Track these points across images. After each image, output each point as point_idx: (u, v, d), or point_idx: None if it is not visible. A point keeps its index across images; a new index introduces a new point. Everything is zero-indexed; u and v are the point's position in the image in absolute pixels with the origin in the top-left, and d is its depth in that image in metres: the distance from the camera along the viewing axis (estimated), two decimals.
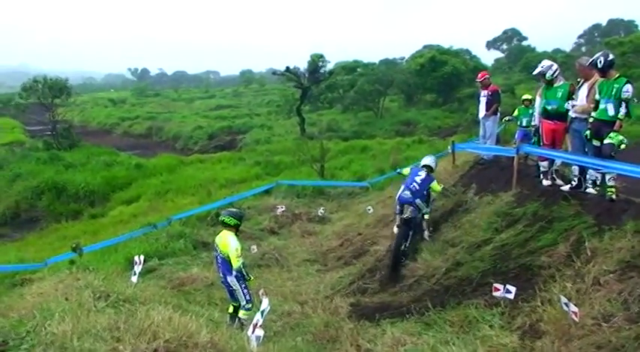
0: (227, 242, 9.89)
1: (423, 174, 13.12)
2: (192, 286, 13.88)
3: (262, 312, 7.68)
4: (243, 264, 9.87)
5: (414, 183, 12.94)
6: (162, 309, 7.40)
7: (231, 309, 10.27)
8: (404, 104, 65.11)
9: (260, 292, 9.74)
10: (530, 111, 15.58)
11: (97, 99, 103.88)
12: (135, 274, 10.37)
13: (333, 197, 23.37)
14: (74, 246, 14.52)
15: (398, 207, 13.10)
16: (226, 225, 10.16)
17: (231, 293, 10.12)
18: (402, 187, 13.14)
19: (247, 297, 10.03)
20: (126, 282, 9.94)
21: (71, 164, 39.91)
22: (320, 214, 20.21)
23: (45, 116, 51.78)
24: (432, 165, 13.49)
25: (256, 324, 7.40)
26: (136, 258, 10.78)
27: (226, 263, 9.90)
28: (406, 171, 13.96)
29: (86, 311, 7.19)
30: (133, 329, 6.58)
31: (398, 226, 13.06)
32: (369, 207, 18.46)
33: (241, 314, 10.03)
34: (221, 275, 10.06)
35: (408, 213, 12.71)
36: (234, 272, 9.89)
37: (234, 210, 10.83)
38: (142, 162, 40.87)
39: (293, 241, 17.85)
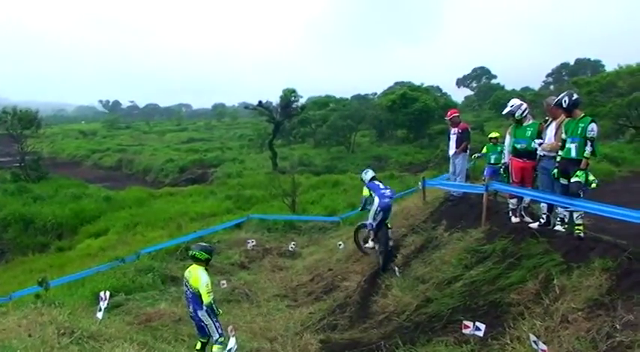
0: (197, 277, 9.79)
1: (379, 183, 14.82)
2: (159, 322, 13.63)
3: (230, 351, 7.57)
4: (213, 299, 9.76)
5: (387, 189, 14.49)
6: (127, 347, 7.28)
7: (199, 346, 10.11)
8: (375, 139, 65.72)
9: (229, 329, 9.62)
10: (499, 148, 15.80)
11: (67, 131, 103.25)
12: (100, 310, 10.18)
13: (304, 231, 23.30)
14: (40, 279, 14.21)
15: (380, 215, 14.10)
16: (197, 260, 10.08)
17: (201, 328, 9.98)
18: (379, 197, 14.17)
19: (219, 331, 9.91)
20: (91, 318, 9.75)
21: (39, 196, 39.46)
22: (291, 249, 20.13)
23: (13, 147, 51.20)
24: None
25: None
26: (102, 294, 10.61)
27: (196, 297, 9.78)
28: (366, 192, 14.74)
29: (49, 348, 7.04)
30: None
31: (377, 235, 14.39)
32: (340, 243, 18.44)
33: (215, 349, 9.89)
34: (191, 310, 9.91)
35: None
36: (204, 308, 9.76)
37: (205, 244, 10.73)
38: (112, 195, 40.59)
39: (263, 276, 17.71)
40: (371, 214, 14.39)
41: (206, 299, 9.64)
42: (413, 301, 11.17)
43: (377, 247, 14.61)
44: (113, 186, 47.70)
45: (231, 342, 7.69)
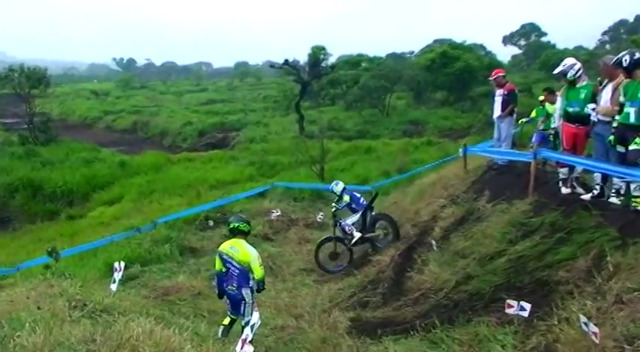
0: (247, 250, 9.91)
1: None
2: (177, 296, 13.84)
3: (252, 326, 7.61)
4: None
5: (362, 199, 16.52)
6: (142, 321, 7.35)
7: (226, 321, 10.16)
8: (412, 102, 65.12)
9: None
10: (550, 112, 15.54)
11: (78, 91, 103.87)
12: (114, 282, 10.32)
13: (333, 201, 23.32)
14: (50, 249, 14.41)
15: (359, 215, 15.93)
16: (238, 232, 10.20)
17: (237, 305, 10.02)
18: (359, 207, 16.16)
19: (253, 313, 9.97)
20: (104, 290, 9.89)
21: (48, 160, 39.99)
22: (319, 220, 20.20)
23: (21, 108, 51.69)
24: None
25: (245, 339, 7.32)
26: (116, 265, 10.74)
27: (245, 273, 9.84)
28: (347, 198, 16.38)
29: (60, 322, 7.15)
30: (111, 342, 6.53)
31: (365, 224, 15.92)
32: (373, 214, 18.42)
33: (248, 330, 9.93)
34: (234, 286, 9.91)
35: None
36: (251, 283, 9.86)
37: (242, 216, 10.93)
38: (126, 160, 40.95)
39: (289, 248, 17.84)
40: (352, 220, 16.04)
41: (259, 273, 9.75)
42: (452, 277, 11.13)
43: (366, 235, 15.79)
44: (128, 151, 48.19)
45: (254, 317, 7.72)
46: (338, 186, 16.58)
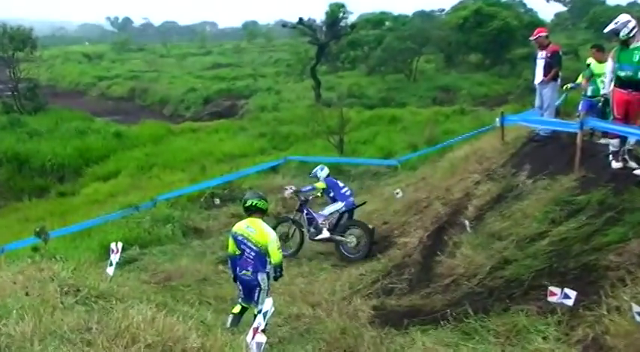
0: (265, 231, 9.90)
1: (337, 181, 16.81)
2: (180, 281, 13.97)
3: (264, 314, 7.62)
4: None
5: (346, 188, 16.57)
6: (143, 308, 7.39)
7: (237, 309, 10.18)
8: (442, 66, 64.75)
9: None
10: (596, 73, 15.35)
11: (68, 54, 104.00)
12: (111, 265, 10.35)
13: (354, 177, 23.37)
14: (38, 229, 14.47)
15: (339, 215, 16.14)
16: (255, 211, 10.18)
17: (250, 292, 10.04)
18: (340, 198, 16.15)
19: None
20: (100, 275, 9.94)
21: (36, 131, 40.07)
22: None
23: (4, 73, 51.63)
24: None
25: (257, 329, 7.33)
26: (113, 246, 10.76)
27: (261, 257, 9.85)
28: (321, 184, 16.38)
29: (51, 309, 7.18)
30: (108, 331, 6.56)
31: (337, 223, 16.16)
32: (398, 191, 18.41)
33: (261, 319, 9.91)
34: (249, 271, 9.92)
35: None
36: (268, 268, 9.90)
37: (258, 192, 10.99)
38: (123, 131, 41.05)
39: (304, 229, 17.89)
40: (329, 210, 16.15)
41: (277, 257, 9.78)
42: (487, 262, 11.13)
43: (335, 237, 15.76)
44: (124, 120, 48.20)
45: (267, 304, 7.70)
46: (323, 172, 16.70)
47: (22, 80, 50.15)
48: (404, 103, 47.33)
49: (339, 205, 16.06)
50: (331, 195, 16.31)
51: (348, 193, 16.39)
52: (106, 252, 12.67)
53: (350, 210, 16.30)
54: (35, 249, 13.23)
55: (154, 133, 40.35)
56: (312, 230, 15.98)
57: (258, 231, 9.89)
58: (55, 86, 71.80)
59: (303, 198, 16.46)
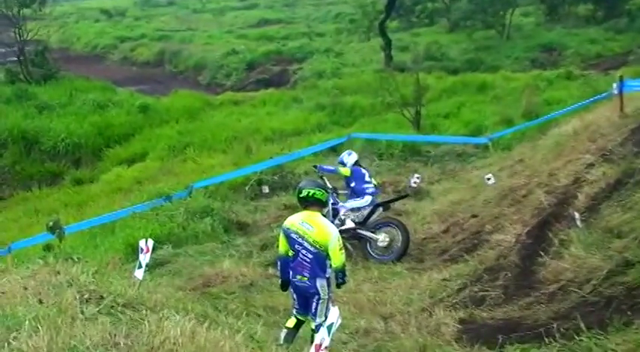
0: (325, 229, 9.79)
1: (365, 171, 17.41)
2: (222, 287, 14.12)
3: (329, 328, 7.64)
4: None
5: (371, 184, 17.14)
6: (180, 319, 7.47)
7: (292, 323, 10.19)
8: (543, 20, 63.87)
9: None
10: None
11: (84, 11, 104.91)
12: (140, 267, 10.50)
13: (433, 159, 23.31)
14: (51, 224, 14.72)
15: (365, 211, 16.70)
16: (313, 203, 10.05)
17: (307, 301, 9.99)
18: (362, 192, 16.83)
19: (327, 312, 9.86)
20: (127, 279, 10.09)
21: (46, 104, 40.38)
22: (413, 185, 20.19)
23: (8, 34, 51.92)
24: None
25: (320, 345, 7.37)
26: (142, 244, 10.91)
27: (320, 259, 9.77)
28: (347, 171, 17.09)
29: (69, 320, 7.29)
30: (139, 347, 6.65)
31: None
32: (489, 176, 18.30)
33: (324, 332, 9.88)
34: (305, 275, 9.89)
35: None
36: (328, 273, 9.92)
37: (316, 180, 11.03)
38: (150, 103, 41.23)
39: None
40: (352, 204, 16.80)
41: (339, 260, 9.72)
42: (603, 265, 10.99)
43: (362, 232, 16.45)
44: (152, 91, 48.64)
45: (333, 314, 7.69)
46: (351, 158, 17.52)
47: (29, 42, 50.14)
48: (496, 67, 46.73)
49: (364, 201, 16.72)
50: (352, 185, 16.95)
51: (371, 190, 16.93)
52: (134, 251, 12.91)
53: (385, 205, 16.96)
54: (48, 248, 13.49)
55: (187, 106, 40.55)
56: (336, 222, 16.12)
57: (316, 227, 9.79)
58: (68, 49, 72.54)
59: (330, 185, 16.76)
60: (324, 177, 16.99)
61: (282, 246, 10.15)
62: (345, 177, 16.98)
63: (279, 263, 10.45)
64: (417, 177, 20.44)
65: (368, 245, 16.08)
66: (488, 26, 58.92)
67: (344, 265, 9.82)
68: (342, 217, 16.33)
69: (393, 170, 22.02)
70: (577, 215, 13.01)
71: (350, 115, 34.49)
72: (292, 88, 47.38)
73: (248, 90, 48.96)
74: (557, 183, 15.21)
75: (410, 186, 20.19)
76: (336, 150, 23.75)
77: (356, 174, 16.92)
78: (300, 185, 10.37)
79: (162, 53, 66.41)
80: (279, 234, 10.34)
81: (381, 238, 15.95)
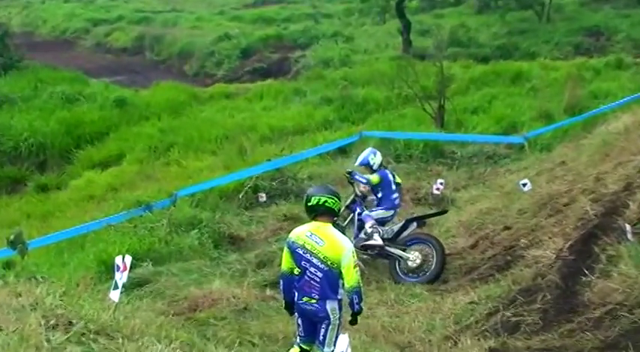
0: (338, 243, 9.68)
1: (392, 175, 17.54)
2: (211, 312, 14.09)
3: None
4: None
5: (398, 193, 17.52)
6: (162, 349, 7.48)
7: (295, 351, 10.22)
8: None
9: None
10: None
11: None
12: (116, 287, 10.50)
13: (459, 162, 23.36)
14: (12, 238, 14.79)
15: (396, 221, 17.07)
16: (322, 212, 9.94)
17: (314, 327, 9.91)
18: (386, 204, 17.03)
19: (336, 340, 9.80)
20: (100, 301, 10.10)
21: (7, 98, 40.32)
22: (436, 192, 20.22)
23: None
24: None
25: None
26: (119, 261, 10.92)
27: (333, 278, 9.66)
28: (376, 178, 17.00)
29: (33, 349, 7.31)
30: None
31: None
32: (525, 181, 18.26)
33: None
34: (313, 297, 9.77)
35: None
36: (340, 294, 9.86)
37: (328, 186, 10.99)
38: (128, 97, 41.24)
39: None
40: (379, 214, 16.89)
41: (354, 278, 9.54)
42: None
43: (391, 249, 16.46)
44: (130, 83, 48.68)
45: (342, 342, 7.69)
46: (377, 158, 17.36)
47: None
48: (533, 54, 46.83)
49: (389, 213, 16.99)
50: (379, 195, 17.08)
51: (397, 201, 17.34)
52: (108, 269, 12.94)
53: (420, 220, 17.01)
54: (8, 266, 13.52)
55: (171, 100, 40.50)
56: (361, 236, 16.43)
57: (327, 241, 9.66)
58: (32, 34, 72.52)
59: (358, 191, 17.06)
60: (354, 184, 17.21)
61: (286, 262, 10.04)
62: (373, 185, 16.98)
63: (281, 282, 10.34)
64: (441, 183, 20.44)
65: (397, 264, 16.08)
66: (524, 6, 58.82)
67: (359, 285, 9.61)
68: (369, 230, 16.28)
69: (413, 174, 22.01)
70: (628, 227, 12.99)
71: (361, 110, 34.45)
72: (294, 78, 47.39)
73: (242, 81, 49.03)
74: (604, 189, 15.22)
75: (432, 194, 20.22)
76: (345, 150, 23.80)
77: (385, 181, 17.02)
78: (309, 192, 10.25)
79: (141, 38, 66.38)
80: (281, 249, 10.31)
81: (413, 257, 15.93)
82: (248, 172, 21.27)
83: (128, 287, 12.42)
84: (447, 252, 16.59)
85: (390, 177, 17.24)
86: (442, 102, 27.37)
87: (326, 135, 28.09)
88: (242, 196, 20.57)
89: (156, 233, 18.04)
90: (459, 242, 17.12)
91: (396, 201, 17.10)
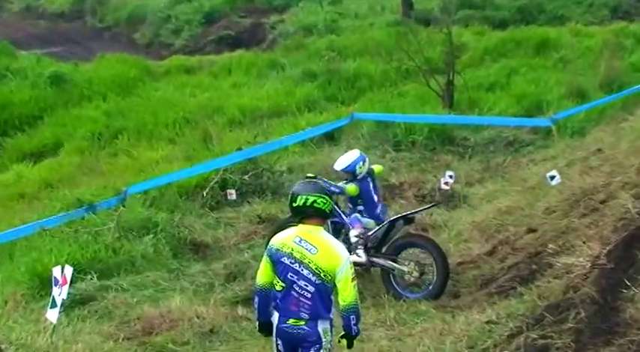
0: (333, 250, 9.51)
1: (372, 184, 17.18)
2: (170, 335, 14.04)
3: None
4: None
5: (380, 205, 17.15)
6: None
7: None
8: None
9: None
10: None
11: None
12: (54, 306, 10.54)
13: (473, 150, 23.38)
14: None
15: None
16: (311, 215, 9.65)
17: None
18: (369, 215, 16.71)
19: None
20: (35, 323, 10.12)
21: None
22: (444, 187, 20.22)
23: None
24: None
25: None
26: (57, 273, 10.94)
27: (325, 293, 9.51)
28: (352, 189, 16.62)
29: None
30: None
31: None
32: (553, 173, 18.30)
33: None
34: (302, 318, 9.47)
35: None
36: (332, 313, 9.69)
37: (318, 181, 10.94)
38: (66, 73, 41.12)
39: None
40: (361, 228, 16.36)
41: (351, 295, 9.36)
42: None
43: (380, 261, 16.29)
44: (68, 55, 48.54)
45: None
46: (364, 167, 16.92)
47: None
48: (561, 17, 46.90)
49: (372, 224, 16.59)
50: (359, 207, 16.76)
51: (382, 215, 16.83)
52: (44, 283, 12.92)
53: (406, 217, 16.66)
54: None
55: (119, 76, 40.44)
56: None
57: (321, 248, 9.44)
58: None
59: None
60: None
61: (266, 275, 9.69)
62: (352, 197, 16.81)
63: (257, 299, 9.89)
64: (450, 176, 20.42)
65: (391, 278, 15.90)
66: None
67: (358, 302, 9.49)
68: (354, 241, 16.00)
69: (415, 165, 22.02)
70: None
71: (352, 88, 34.51)
72: (269, 49, 47.44)
73: (206, 52, 49.05)
74: None
75: (440, 189, 20.22)
76: (333, 136, 23.76)
77: (364, 195, 16.74)
78: (295, 189, 9.90)
79: (81, 1, 66.19)
80: (256, 258, 10.24)
81: (407, 269, 15.71)
82: (214, 164, 21.23)
83: (68, 306, 12.43)
84: (459, 260, 16.63)
85: (372, 191, 16.96)
86: (451, 77, 27.40)
87: (309, 118, 28.10)
88: (207, 193, 20.52)
89: (101, 239, 17.91)
90: (473, 248, 17.06)
91: (381, 216, 16.76)
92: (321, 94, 33.83)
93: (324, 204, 9.58)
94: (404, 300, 15.41)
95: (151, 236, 18.05)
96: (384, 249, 16.12)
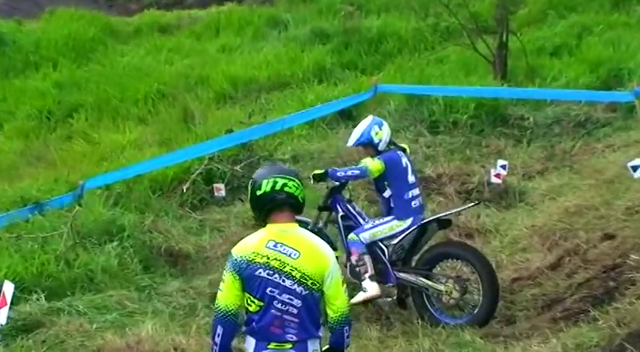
0: (318, 250, 9.31)
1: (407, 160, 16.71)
2: None
3: None
4: None
5: (416, 189, 16.56)
6: None
7: None
8: None
9: None
10: None
11: None
12: None
13: (532, 132, 23.30)
14: None
15: (406, 239, 15.86)
16: (281, 204, 9.30)
17: None
18: (404, 207, 16.02)
19: None
20: None
21: None
22: (495, 180, 20.19)
23: None
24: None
25: None
26: None
27: (313, 306, 9.49)
28: (376, 165, 15.90)
29: None
30: None
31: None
32: (637, 162, 18.25)
33: None
34: (289, 339, 9.33)
35: None
36: (321, 330, 9.60)
37: (281, 166, 10.82)
38: (6, 33, 41.27)
39: None
40: (382, 229, 15.96)
41: (343, 302, 9.31)
42: None
43: (410, 278, 15.83)
44: (9, 10, 48.61)
45: None
46: (384, 131, 16.40)
47: None
48: None
49: (404, 224, 15.87)
50: (385, 193, 16.23)
51: (417, 203, 16.33)
52: None
53: (442, 221, 16.29)
54: None
55: (75, 37, 40.54)
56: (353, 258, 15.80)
57: (303, 250, 9.18)
58: None
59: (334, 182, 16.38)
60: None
61: (232, 296, 9.31)
62: (375, 177, 16.15)
63: (219, 330, 9.36)
64: (502, 166, 20.42)
65: (425, 299, 15.60)
66: None
67: (348, 316, 9.30)
68: (355, 264, 15.54)
69: (458, 153, 21.98)
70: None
71: (376, 52, 34.52)
72: (269, 1, 47.30)
73: (186, 6, 48.98)
74: None
75: (490, 183, 20.20)
76: (351, 115, 23.72)
77: (394, 169, 15.93)
78: (255, 175, 9.57)
79: None
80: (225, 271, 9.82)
81: (445, 288, 15.32)
82: (197, 150, 21.15)
83: (8, 333, 12.43)
84: (514, 275, 16.56)
85: (405, 162, 16.27)
86: (504, 38, 27.35)
87: (320, 92, 28.03)
88: (188, 189, 20.44)
89: (51, 248, 17.80)
90: (532, 259, 16.96)
91: (415, 203, 16.14)
92: (335, 61, 33.79)
93: (296, 188, 9.23)
94: (442, 327, 15.34)
95: (115, 243, 17.91)
96: (414, 262, 15.79)
